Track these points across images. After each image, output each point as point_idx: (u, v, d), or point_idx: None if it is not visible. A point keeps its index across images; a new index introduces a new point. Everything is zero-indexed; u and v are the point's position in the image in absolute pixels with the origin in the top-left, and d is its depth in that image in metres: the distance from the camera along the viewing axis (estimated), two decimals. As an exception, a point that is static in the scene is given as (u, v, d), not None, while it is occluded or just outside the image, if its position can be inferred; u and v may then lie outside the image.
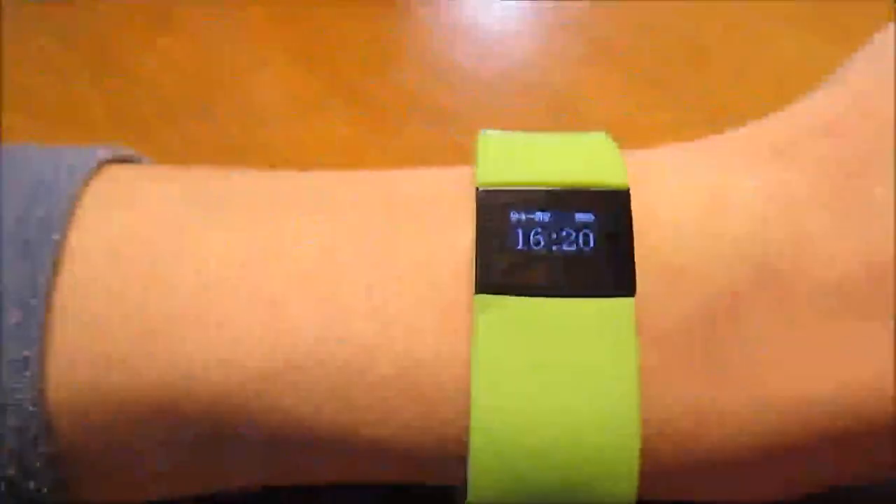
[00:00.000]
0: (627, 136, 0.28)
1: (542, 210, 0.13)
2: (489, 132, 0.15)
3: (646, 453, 0.12)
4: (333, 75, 0.32)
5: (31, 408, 0.12)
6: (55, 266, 0.12)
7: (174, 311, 0.12)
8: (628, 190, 0.13)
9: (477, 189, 0.13)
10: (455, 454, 0.12)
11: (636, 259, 0.12)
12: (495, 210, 0.13)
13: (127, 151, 0.16)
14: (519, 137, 0.15)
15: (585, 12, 0.34)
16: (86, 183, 0.14)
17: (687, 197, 0.13)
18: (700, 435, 0.12)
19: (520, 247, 0.12)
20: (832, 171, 0.13)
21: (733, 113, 0.28)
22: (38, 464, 0.12)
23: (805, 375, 0.12)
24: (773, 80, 0.29)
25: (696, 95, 0.29)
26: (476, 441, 0.12)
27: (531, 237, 0.12)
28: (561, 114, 0.29)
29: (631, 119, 0.28)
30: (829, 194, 0.13)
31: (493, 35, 0.34)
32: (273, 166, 0.28)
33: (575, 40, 0.33)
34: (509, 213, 0.13)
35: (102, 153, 0.15)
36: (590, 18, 0.34)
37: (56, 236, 0.13)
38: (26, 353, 0.12)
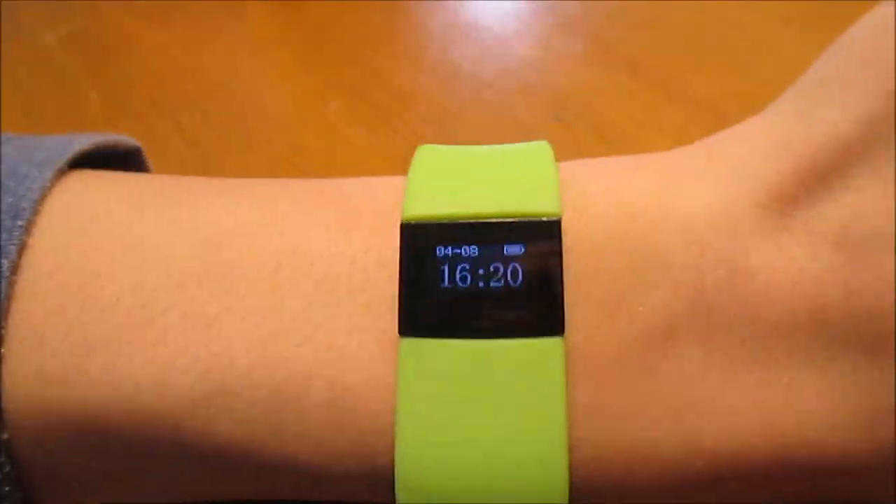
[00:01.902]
0: (628, 136, 0.28)
1: (470, 244, 0.12)
2: (424, 149, 0.14)
3: (577, 491, 0.12)
4: (334, 75, 0.32)
5: None
6: (14, 269, 0.12)
7: (110, 329, 0.12)
8: (559, 219, 0.12)
9: (401, 224, 0.12)
10: (386, 483, 0.12)
11: (569, 288, 0.12)
12: (420, 246, 0.12)
13: (115, 138, 0.16)
14: (451, 157, 0.14)
15: (585, 12, 0.34)
16: (52, 178, 0.14)
17: (625, 223, 0.12)
18: (631, 474, 0.12)
19: (445, 284, 0.12)
20: (780, 196, 0.12)
21: (734, 112, 0.28)
22: None
23: (735, 420, 0.12)
24: (773, 80, 0.29)
25: (696, 95, 0.29)
26: (401, 484, 0.12)
27: (458, 273, 0.12)
28: (561, 114, 0.29)
29: (631, 119, 0.28)
30: (776, 223, 0.12)
31: (493, 35, 0.34)
32: (273, 165, 0.28)
33: (575, 40, 0.33)
34: (435, 249, 0.12)
35: (80, 144, 0.14)
36: (590, 18, 0.34)
37: (21, 223, 0.13)
38: None
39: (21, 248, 0.13)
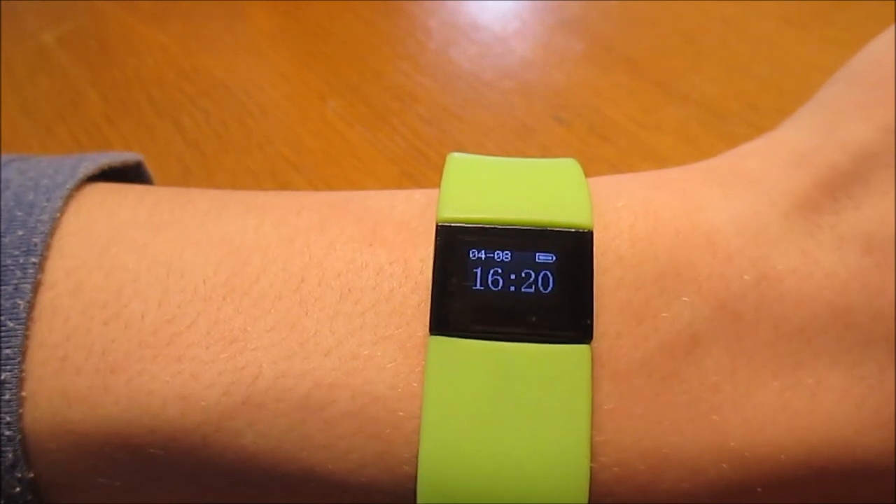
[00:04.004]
0: (628, 136, 0.28)
1: (503, 249, 0.12)
2: (456, 156, 0.14)
3: (602, 496, 0.12)
4: (333, 75, 0.32)
5: (7, 432, 0.12)
6: (31, 308, 0.12)
7: (135, 345, 0.12)
8: (591, 231, 0.13)
9: (437, 225, 0.13)
10: (410, 493, 0.12)
11: (597, 296, 0.12)
12: (454, 248, 0.12)
13: (117, 157, 0.16)
14: (485, 166, 0.14)
15: (585, 12, 0.34)
16: (62, 207, 0.13)
17: (651, 234, 0.13)
18: (656, 479, 0.12)
19: (477, 287, 0.12)
20: (804, 205, 0.13)
21: (734, 112, 0.28)
22: (17, 489, 0.12)
23: (760, 422, 0.12)
24: (773, 80, 0.29)
25: (696, 95, 0.29)
26: (423, 483, 0.12)
27: (490, 277, 0.12)
28: (561, 114, 0.29)
29: (631, 119, 0.28)
30: (801, 230, 0.13)
31: (493, 35, 0.34)
32: (273, 165, 0.28)
33: (575, 40, 0.33)
34: (468, 252, 0.12)
35: (84, 168, 0.14)
36: (590, 18, 0.34)
37: (35, 259, 0.12)
38: (4, 375, 0.12)
39: (36, 286, 0.12)
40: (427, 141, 0.28)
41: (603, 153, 0.27)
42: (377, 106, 0.30)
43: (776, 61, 0.30)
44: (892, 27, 0.15)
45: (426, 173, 0.27)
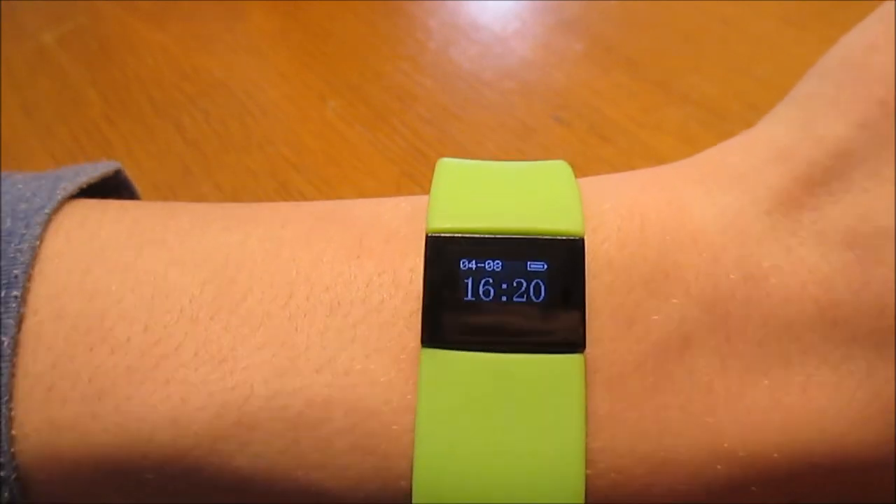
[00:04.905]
0: (628, 136, 0.28)
1: (494, 259, 0.12)
2: (446, 162, 0.14)
3: (599, 503, 0.12)
4: (333, 75, 0.32)
5: (1, 473, 0.12)
6: (15, 345, 0.12)
7: (121, 371, 0.12)
8: (582, 238, 0.12)
9: (426, 236, 0.12)
10: None
11: (588, 302, 0.12)
12: (444, 259, 0.12)
13: (95, 169, 0.15)
14: (475, 172, 0.14)
15: (585, 12, 0.34)
16: (41, 233, 0.13)
17: (639, 237, 0.13)
18: (653, 483, 0.12)
19: (468, 297, 0.12)
20: (785, 201, 0.13)
21: (734, 112, 0.28)
22: None
23: (752, 421, 0.12)
24: (773, 80, 0.29)
25: (696, 95, 0.29)
26: (418, 496, 0.11)
27: (481, 287, 0.12)
28: (561, 114, 0.29)
29: (631, 119, 0.28)
30: (784, 227, 0.13)
31: (493, 35, 0.34)
32: (273, 165, 0.28)
33: (575, 40, 0.33)
34: (459, 262, 0.12)
35: (62, 189, 0.14)
36: (590, 18, 0.34)
37: (16, 293, 0.12)
38: None
39: (20, 321, 0.12)
40: (427, 141, 0.28)
41: (603, 153, 0.27)
42: (377, 106, 0.30)
43: (776, 61, 0.30)
44: (862, 22, 0.15)
45: (426, 173, 0.27)
